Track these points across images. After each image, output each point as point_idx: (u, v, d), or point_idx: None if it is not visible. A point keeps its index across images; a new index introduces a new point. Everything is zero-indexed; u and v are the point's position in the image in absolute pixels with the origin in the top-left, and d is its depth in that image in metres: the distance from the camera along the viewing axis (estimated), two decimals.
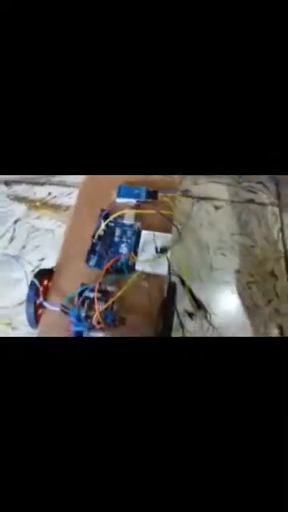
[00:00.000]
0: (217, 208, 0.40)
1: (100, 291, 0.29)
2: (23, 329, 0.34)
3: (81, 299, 0.28)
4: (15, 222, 0.41)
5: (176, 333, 0.33)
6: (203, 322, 0.34)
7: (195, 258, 0.38)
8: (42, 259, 0.38)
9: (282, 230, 0.38)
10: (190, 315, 0.34)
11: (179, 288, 0.35)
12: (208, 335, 0.33)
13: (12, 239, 0.40)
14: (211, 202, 0.41)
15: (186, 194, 0.41)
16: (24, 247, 0.39)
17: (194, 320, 0.34)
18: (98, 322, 0.27)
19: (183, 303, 0.35)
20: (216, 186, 0.42)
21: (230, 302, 0.35)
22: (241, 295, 0.35)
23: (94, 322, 0.27)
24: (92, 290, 0.28)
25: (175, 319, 0.34)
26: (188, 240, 0.38)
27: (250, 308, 0.35)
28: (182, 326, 0.34)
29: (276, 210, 0.40)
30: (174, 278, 0.35)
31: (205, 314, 0.34)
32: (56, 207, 0.41)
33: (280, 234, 0.38)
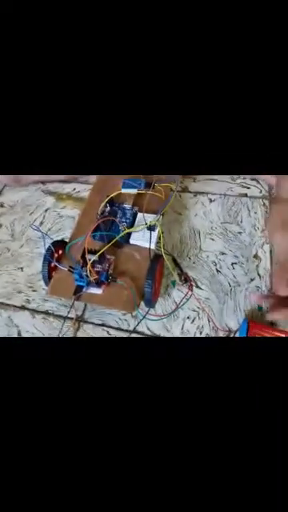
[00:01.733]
0: (211, 201, 0.46)
1: (100, 257, 0.36)
2: (41, 291, 0.43)
3: (82, 261, 0.35)
4: (45, 210, 0.51)
5: (163, 297, 0.39)
6: (188, 293, 0.39)
7: (187, 241, 0.43)
8: (63, 239, 0.47)
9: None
10: (173, 282, 0.40)
11: (172, 265, 0.41)
12: (190, 304, 0.38)
13: (41, 223, 0.50)
14: (207, 196, 0.46)
15: (185, 189, 0.47)
16: (50, 229, 0.49)
17: (180, 290, 0.39)
18: (90, 273, 0.34)
19: (172, 277, 0.40)
20: (213, 183, 0.47)
21: (214, 278, 0.40)
22: (225, 274, 0.40)
23: (89, 274, 0.34)
24: (90, 252, 0.35)
25: (162, 289, 0.39)
26: (184, 226, 0.44)
27: (232, 285, 0.39)
28: (168, 294, 0.39)
29: (266, 202, 0.44)
30: (167, 256, 0.41)
31: (190, 287, 0.39)
32: (78, 199, 0.51)
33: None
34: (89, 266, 0.34)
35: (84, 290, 0.36)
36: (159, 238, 0.38)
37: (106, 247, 0.35)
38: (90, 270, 0.34)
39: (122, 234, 0.37)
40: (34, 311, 0.42)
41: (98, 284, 0.35)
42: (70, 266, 0.36)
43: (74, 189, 0.52)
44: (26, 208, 0.52)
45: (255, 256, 0.40)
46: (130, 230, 0.38)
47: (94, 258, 0.34)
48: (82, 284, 0.35)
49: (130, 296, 0.35)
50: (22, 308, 0.43)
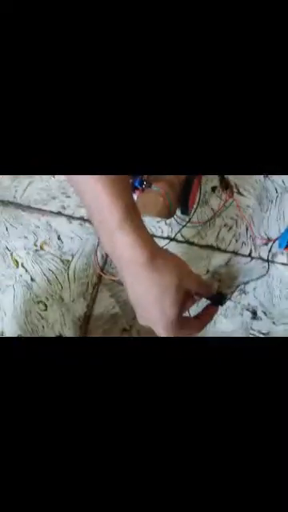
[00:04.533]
0: None
1: None
2: (75, 197, 0.42)
3: None
4: None
5: (200, 204, 0.37)
6: (227, 200, 0.36)
7: None
8: None
9: None
10: (214, 189, 0.37)
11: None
12: (230, 211, 0.36)
13: None
14: None
15: None
16: None
17: (219, 197, 0.37)
18: None
19: (213, 182, 0.37)
20: None
21: (260, 184, 0.36)
22: (273, 179, 0.36)
23: None
24: None
25: (200, 196, 0.37)
26: None
27: (279, 192, 0.35)
28: (206, 202, 0.37)
29: None
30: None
31: (230, 193, 0.36)
32: None
33: None
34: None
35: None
36: None
37: None
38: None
39: None
40: (70, 217, 0.43)
41: (132, 190, 0.34)
42: None
43: None
44: None
45: None
46: None
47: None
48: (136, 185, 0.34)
49: (166, 202, 0.33)
50: (59, 214, 0.43)
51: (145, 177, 0.34)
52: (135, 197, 0.34)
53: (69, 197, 0.43)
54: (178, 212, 0.35)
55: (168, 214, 0.33)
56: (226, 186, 0.37)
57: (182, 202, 0.32)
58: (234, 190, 0.37)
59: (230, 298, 0.35)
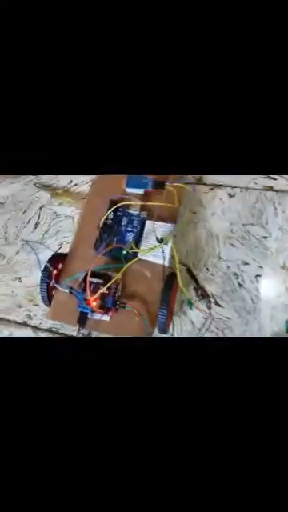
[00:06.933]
0: (231, 196, 0.39)
1: (103, 277, 0.31)
2: (43, 306, 0.39)
3: (83, 284, 0.31)
4: (40, 208, 0.45)
5: (178, 315, 0.35)
6: (205, 312, 0.35)
7: (204, 247, 0.38)
8: (61, 243, 0.42)
9: None
10: (190, 303, 0.35)
11: (187, 277, 0.36)
12: (206, 329, 0.34)
13: (36, 225, 0.44)
14: (226, 190, 0.39)
15: (200, 181, 0.40)
16: (46, 232, 0.43)
17: (196, 309, 0.35)
18: (96, 307, 0.29)
19: (188, 292, 0.36)
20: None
21: (236, 294, 0.35)
22: (247, 289, 0.35)
23: (92, 307, 0.29)
24: (93, 275, 0.30)
25: (176, 307, 0.35)
26: (198, 229, 0.38)
27: (256, 303, 0.34)
28: (183, 313, 0.35)
29: None
30: (181, 267, 0.36)
31: (208, 304, 0.35)
32: (76, 195, 0.44)
33: None
34: (92, 301, 0.29)
35: (89, 316, 0.32)
36: (172, 252, 0.32)
37: (112, 281, 0.30)
38: (92, 308, 0.29)
39: (128, 251, 0.32)
40: (36, 328, 0.39)
41: (105, 310, 0.31)
42: (72, 287, 0.32)
43: (71, 181, 0.45)
44: (18, 205, 0.46)
45: (283, 267, 0.35)
46: (139, 250, 0.32)
47: (103, 290, 0.29)
48: (85, 311, 0.31)
49: (142, 323, 0.31)
50: (24, 324, 0.39)
51: (118, 294, 0.32)
52: (107, 317, 0.31)
53: (37, 305, 0.40)
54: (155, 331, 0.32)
55: (143, 335, 0.31)
56: (202, 295, 0.36)
57: (159, 322, 0.30)
58: (211, 299, 0.35)
59: None
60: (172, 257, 0.32)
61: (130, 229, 0.34)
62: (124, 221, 0.34)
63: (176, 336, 0.34)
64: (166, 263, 0.32)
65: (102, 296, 0.30)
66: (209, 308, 0.35)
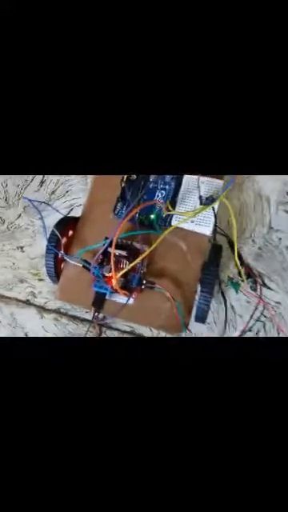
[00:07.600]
0: None
1: (126, 248, 0.24)
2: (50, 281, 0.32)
3: (101, 256, 0.24)
4: None
5: (215, 298, 0.28)
6: (251, 295, 0.28)
7: (251, 214, 0.30)
8: (72, 206, 0.35)
9: None
10: (235, 285, 0.28)
11: (226, 252, 0.29)
12: (256, 315, 0.27)
13: (41, 183, 0.36)
14: None
15: None
16: (53, 192, 0.36)
17: (241, 292, 0.28)
18: (118, 287, 0.23)
19: (228, 270, 0.29)
20: None
21: None
22: None
23: (114, 286, 0.23)
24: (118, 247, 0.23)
25: (216, 289, 0.28)
26: (245, 190, 0.30)
27: None
28: (224, 299, 0.28)
29: None
30: (221, 239, 0.28)
31: (254, 285, 0.28)
32: None
33: None
34: (114, 280, 0.22)
35: (107, 297, 0.25)
36: (215, 218, 0.25)
37: (146, 253, 0.23)
38: (115, 288, 0.22)
39: (162, 214, 0.24)
40: (41, 308, 0.33)
41: (127, 291, 0.24)
42: (86, 261, 0.25)
43: None
44: None
45: None
46: (182, 213, 0.24)
47: (132, 264, 0.22)
48: (103, 291, 0.25)
49: (174, 309, 0.24)
50: (27, 303, 0.33)
51: (143, 270, 0.25)
52: (131, 300, 0.25)
53: (42, 280, 0.33)
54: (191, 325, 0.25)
55: (177, 328, 0.24)
56: (248, 275, 0.28)
57: (199, 308, 0.23)
58: (258, 279, 0.28)
59: None
60: (215, 225, 0.25)
61: (161, 186, 0.26)
62: (152, 178, 0.26)
63: (219, 335, 0.27)
64: (209, 232, 0.24)
65: (125, 273, 0.23)
66: (255, 290, 0.28)
